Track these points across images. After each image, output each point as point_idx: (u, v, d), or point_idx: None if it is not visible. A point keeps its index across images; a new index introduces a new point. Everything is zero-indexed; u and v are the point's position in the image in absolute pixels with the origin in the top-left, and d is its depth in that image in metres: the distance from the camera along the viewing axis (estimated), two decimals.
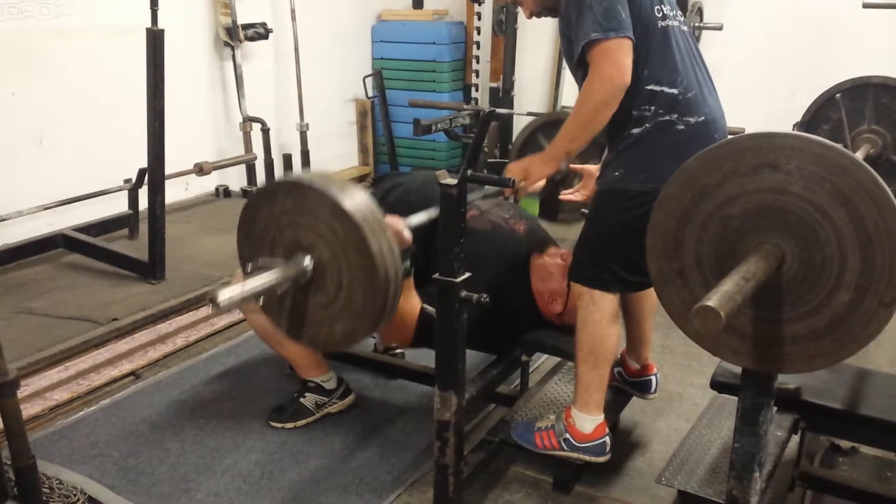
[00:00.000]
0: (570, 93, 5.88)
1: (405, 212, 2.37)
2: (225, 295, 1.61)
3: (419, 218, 2.31)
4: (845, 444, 2.62)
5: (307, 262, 1.80)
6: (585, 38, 2.09)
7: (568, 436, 2.37)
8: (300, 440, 2.77)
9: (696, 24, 5.26)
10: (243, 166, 5.43)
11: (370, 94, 6.31)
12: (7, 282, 3.88)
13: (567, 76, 5.80)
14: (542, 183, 2.80)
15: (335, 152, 6.33)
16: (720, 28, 5.19)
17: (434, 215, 2.23)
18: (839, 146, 1.50)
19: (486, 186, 3.02)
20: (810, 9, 5.41)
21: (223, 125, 5.45)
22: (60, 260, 4.19)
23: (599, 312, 2.30)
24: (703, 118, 2.22)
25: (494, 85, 6.06)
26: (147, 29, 3.65)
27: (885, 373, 2.69)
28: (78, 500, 2.39)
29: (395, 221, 2.20)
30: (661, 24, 2.20)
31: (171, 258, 4.01)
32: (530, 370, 3.01)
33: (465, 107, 5.69)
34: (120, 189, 4.49)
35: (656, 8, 2.20)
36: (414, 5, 6.57)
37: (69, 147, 4.47)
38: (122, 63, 4.44)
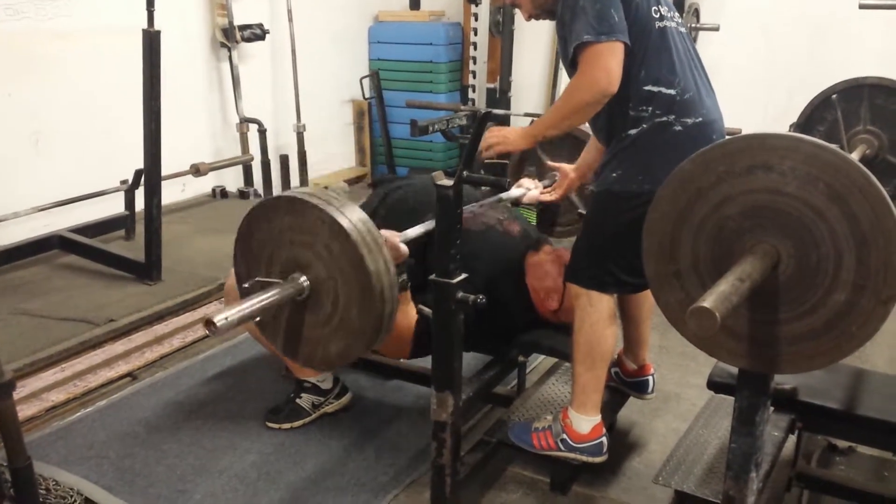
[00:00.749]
0: None
1: (403, 215, 2.37)
2: (222, 317, 1.61)
3: (415, 231, 2.31)
4: (842, 443, 2.62)
5: (304, 280, 1.80)
6: (577, 40, 2.09)
7: (565, 436, 2.38)
8: (297, 441, 2.76)
9: (693, 25, 5.27)
10: (240, 167, 5.42)
11: (367, 95, 6.30)
12: (3, 283, 3.87)
13: (564, 77, 5.79)
14: (537, 195, 2.83)
15: (332, 153, 6.33)
16: (717, 29, 5.20)
17: (430, 227, 2.23)
18: (832, 146, 1.50)
19: (482, 187, 3.04)
20: (807, 9, 5.42)
21: (220, 126, 5.45)
22: (57, 261, 4.18)
23: (597, 313, 2.30)
24: (700, 119, 2.22)
25: (491, 86, 6.06)
26: (143, 30, 3.65)
27: (882, 373, 2.69)
28: (74, 501, 2.38)
29: (390, 235, 2.20)
30: (658, 24, 2.20)
31: (168, 259, 4.00)
32: (527, 371, 3.02)
33: (462, 108, 5.70)
34: (116, 190, 4.48)
35: (653, 9, 2.20)
36: (411, 6, 6.57)
37: (65, 148, 4.46)
38: (119, 64, 4.43)
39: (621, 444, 2.77)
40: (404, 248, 2.24)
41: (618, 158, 2.25)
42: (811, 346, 1.62)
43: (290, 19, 5.47)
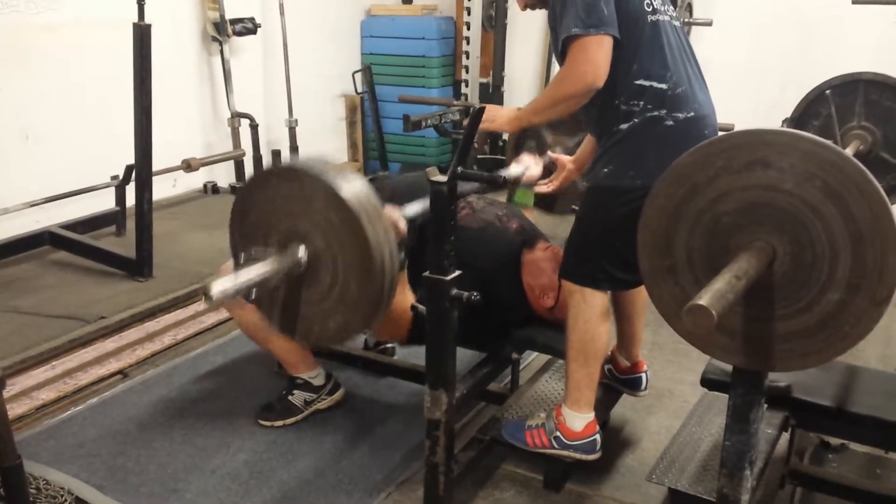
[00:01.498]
0: None
1: (395, 199, 2.33)
2: (218, 288, 1.56)
3: (414, 208, 2.28)
4: (834, 441, 2.63)
5: (301, 253, 1.74)
6: (566, 32, 2.08)
7: (559, 434, 2.37)
8: (289, 439, 2.75)
9: (686, 20, 5.26)
10: (231, 162, 5.40)
11: (359, 89, 6.28)
12: None
13: (556, 71, 5.80)
14: (538, 172, 2.82)
15: (324, 148, 6.30)
16: (710, 24, 5.19)
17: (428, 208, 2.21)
18: (831, 143, 1.49)
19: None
20: (799, 5, 5.42)
21: (211, 121, 5.42)
22: (47, 257, 4.16)
23: (590, 310, 2.29)
24: (692, 114, 2.21)
25: (484, 80, 6.05)
26: (134, 24, 3.63)
27: (875, 370, 2.70)
28: (65, 500, 2.36)
29: (390, 211, 2.17)
30: (650, 18, 2.19)
31: (159, 255, 3.99)
32: (521, 368, 3.01)
33: (455, 102, 5.69)
34: (107, 186, 4.46)
35: (646, 2, 2.19)
36: (403, 0, 6.55)
37: (56, 143, 4.43)
38: (109, 58, 4.40)
39: (614, 441, 2.76)
40: (403, 226, 2.21)
41: (609, 153, 2.24)
42: (805, 344, 1.62)
43: (282, 13, 5.44)
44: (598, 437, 2.39)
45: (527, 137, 3.27)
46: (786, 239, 1.55)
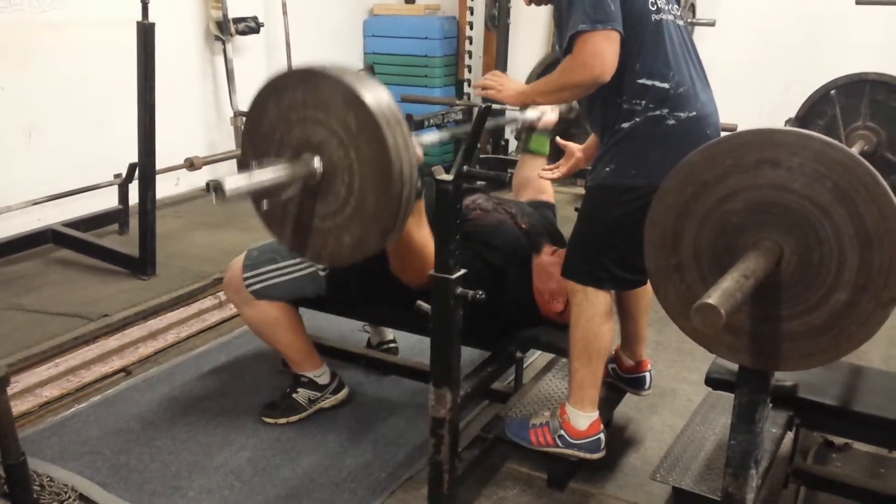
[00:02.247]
0: None
1: None
2: (232, 183, 1.49)
3: (431, 138, 2.26)
4: (838, 440, 2.63)
5: (317, 163, 1.66)
6: (573, 29, 2.08)
7: (563, 432, 2.37)
8: (293, 437, 2.75)
9: (689, 20, 5.26)
10: (234, 161, 5.39)
11: None
12: None
13: None
14: (554, 118, 2.82)
15: None
16: (713, 24, 5.19)
17: (445, 136, 2.18)
18: (841, 144, 1.49)
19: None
20: (803, 5, 5.42)
21: (214, 120, 5.42)
22: (50, 255, 4.16)
23: (593, 309, 2.29)
24: (694, 113, 2.20)
25: None
26: (137, 22, 3.63)
27: (879, 369, 2.70)
28: (69, 497, 2.37)
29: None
30: (654, 17, 2.19)
31: (162, 254, 3.99)
32: (524, 366, 3.00)
33: (458, 102, 5.69)
34: (110, 184, 4.46)
35: (650, 1, 2.19)
36: (406, 0, 6.55)
37: (59, 142, 4.43)
38: (113, 57, 4.40)
39: (618, 440, 2.76)
40: (420, 152, 2.13)
41: (611, 152, 2.24)
42: (810, 344, 1.62)
43: (285, 12, 5.44)
44: (601, 435, 2.38)
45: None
46: (793, 239, 1.55)
